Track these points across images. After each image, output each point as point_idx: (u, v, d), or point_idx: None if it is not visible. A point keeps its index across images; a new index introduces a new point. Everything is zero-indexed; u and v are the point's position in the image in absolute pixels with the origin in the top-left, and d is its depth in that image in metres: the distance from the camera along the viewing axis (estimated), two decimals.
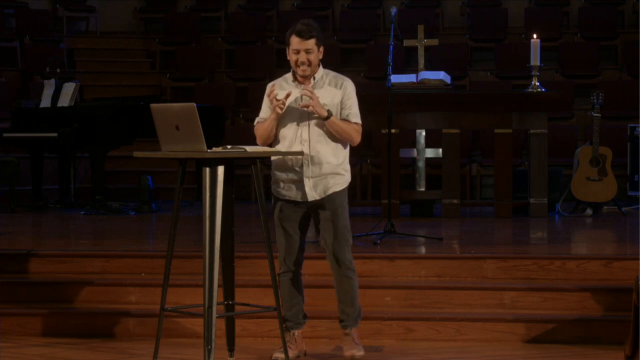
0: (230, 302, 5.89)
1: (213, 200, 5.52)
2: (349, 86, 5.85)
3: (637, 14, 14.62)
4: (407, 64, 13.51)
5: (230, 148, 5.61)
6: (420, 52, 10.48)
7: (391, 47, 8.28)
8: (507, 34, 14.89)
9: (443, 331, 6.50)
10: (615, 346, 6.23)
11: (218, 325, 5.55)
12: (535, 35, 10.03)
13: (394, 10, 8.87)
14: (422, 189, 10.34)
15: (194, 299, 6.50)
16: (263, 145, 5.86)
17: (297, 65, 5.75)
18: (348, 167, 5.90)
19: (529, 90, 9.97)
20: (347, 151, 5.88)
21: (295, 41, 5.74)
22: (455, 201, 10.05)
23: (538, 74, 9.98)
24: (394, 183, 9.21)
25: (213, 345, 5.46)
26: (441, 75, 10.28)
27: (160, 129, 5.60)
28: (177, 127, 5.48)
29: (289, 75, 5.88)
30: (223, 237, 5.59)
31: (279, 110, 5.70)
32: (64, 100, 11.06)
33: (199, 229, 5.69)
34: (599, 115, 10.21)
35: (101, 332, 6.67)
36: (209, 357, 5.46)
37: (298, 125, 5.77)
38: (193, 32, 15.41)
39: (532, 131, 9.96)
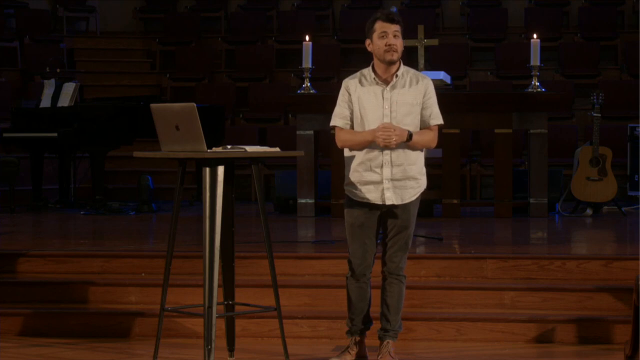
0: (230, 302, 5.89)
1: (213, 200, 5.52)
2: (430, 85, 5.70)
3: (637, 14, 14.63)
4: (407, 64, 13.49)
5: (230, 148, 5.60)
6: (420, 52, 10.47)
7: None
8: (507, 34, 14.90)
9: (443, 331, 6.50)
10: (615, 346, 6.23)
11: (218, 325, 5.55)
12: (535, 35, 10.03)
13: (394, 10, 8.86)
14: None
15: (194, 299, 6.50)
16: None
17: (386, 51, 5.58)
18: (424, 170, 5.78)
19: (529, 90, 9.96)
20: (423, 153, 5.76)
21: (383, 25, 5.61)
22: (455, 201, 10.05)
23: (538, 74, 9.98)
24: None
25: (213, 345, 5.46)
26: (441, 75, 10.28)
27: (160, 129, 5.60)
28: (177, 127, 5.48)
29: (367, 72, 5.70)
30: (223, 237, 5.58)
31: (384, 145, 5.56)
32: (64, 100, 11.06)
33: (199, 229, 5.69)
34: (599, 115, 10.21)
35: (101, 332, 6.67)
36: (209, 357, 5.46)
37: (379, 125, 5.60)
38: (193, 32, 15.41)
39: (532, 131, 9.96)
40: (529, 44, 10.09)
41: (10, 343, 6.49)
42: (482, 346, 6.34)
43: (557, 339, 6.43)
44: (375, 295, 5.89)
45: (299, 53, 10.27)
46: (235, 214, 5.83)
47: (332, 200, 10.12)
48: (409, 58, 13.14)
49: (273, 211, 10.67)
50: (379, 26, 5.63)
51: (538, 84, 9.93)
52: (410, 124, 5.63)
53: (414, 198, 5.71)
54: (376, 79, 5.67)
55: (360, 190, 5.69)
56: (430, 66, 12.39)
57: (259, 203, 5.70)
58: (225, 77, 14.70)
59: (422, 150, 5.75)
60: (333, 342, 6.35)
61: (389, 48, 5.60)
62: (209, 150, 5.49)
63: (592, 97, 10.31)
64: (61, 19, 15.47)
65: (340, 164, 10.07)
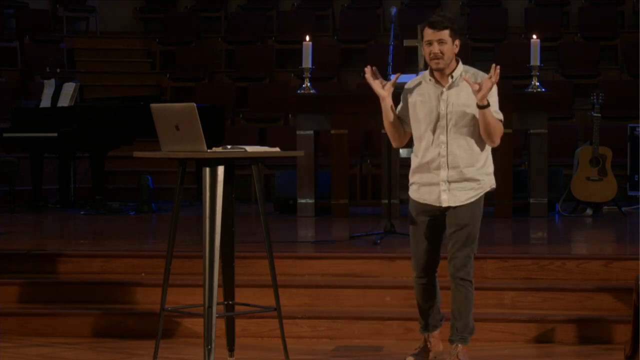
0: (230, 302, 5.89)
1: (213, 200, 5.52)
2: None
3: (637, 14, 14.63)
4: (407, 64, 13.51)
5: (230, 148, 5.61)
6: (420, 52, 10.46)
7: (391, 47, 8.28)
8: (507, 34, 14.90)
9: (443, 331, 6.48)
10: (615, 346, 6.23)
11: (218, 325, 5.55)
12: (535, 35, 10.03)
13: (394, 10, 8.86)
14: None
15: (194, 299, 6.50)
16: (398, 146, 5.75)
17: (430, 59, 5.57)
18: (490, 169, 5.69)
19: (529, 90, 9.96)
20: (487, 153, 5.66)
21: (428, 33, 5.58)
22: None
23: (538, 74, 9.97)
24: (394, 183, 9.20)
25: (213, 345, 5.46)
26: None
27: (160, 129, 5.60)
28: (177, 127, 5.48)
29: (426, 73, 5.68)
30: (223, 237, 5.58)
31: (381, 90, 5.56)
32: (64, 100, 11.06)
33: (199, 229, 5.69)
34: (599, 115, 10.21)
35: (101, 332, 6.67)
36: (209, 357, 5.46)
37: (435, 126, 5.55)
38: (193, 32, 15.41)
39: (532, 131, 9.96)
40: (529, 44, 10.08)
41: (10, 343, 6.49)
42: (482, 346, 6.33)
43: (557, 339, 6.43)
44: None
45: (299, 53, 10.27)
46: (235, 214, 5.84)
47: (332, 200, 10.12)
48: (409, 58, 13.19)
49: (273, 211, 10.67)
50: (426, 33, 5.63)
51: (538, 84, 9.93)
52: (467, 125, 5.54)
53: (473, 199, 5.60)
54: (432, 80, 5.65)
55: (418, 192, 5.65)
56: None
57: (259, 203, 5.70)
58: (225, 77, 14.70)
59: (483, 149, 5.62)
60: (333, 342, 6.35)
61: (434, 56, 5.58)
62: (209, 150, 5.49)
63: (592, 97, 10.31)
64: (61, 19, 15.48)
65: (340, 164, 10.12)
